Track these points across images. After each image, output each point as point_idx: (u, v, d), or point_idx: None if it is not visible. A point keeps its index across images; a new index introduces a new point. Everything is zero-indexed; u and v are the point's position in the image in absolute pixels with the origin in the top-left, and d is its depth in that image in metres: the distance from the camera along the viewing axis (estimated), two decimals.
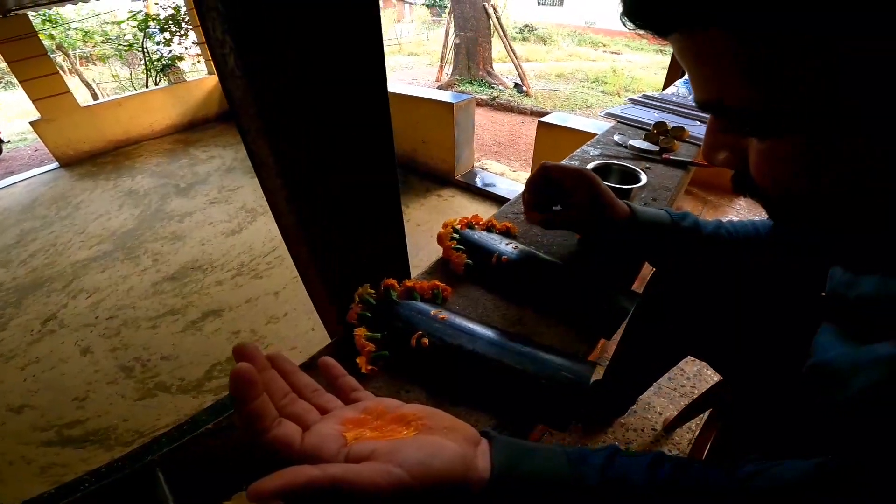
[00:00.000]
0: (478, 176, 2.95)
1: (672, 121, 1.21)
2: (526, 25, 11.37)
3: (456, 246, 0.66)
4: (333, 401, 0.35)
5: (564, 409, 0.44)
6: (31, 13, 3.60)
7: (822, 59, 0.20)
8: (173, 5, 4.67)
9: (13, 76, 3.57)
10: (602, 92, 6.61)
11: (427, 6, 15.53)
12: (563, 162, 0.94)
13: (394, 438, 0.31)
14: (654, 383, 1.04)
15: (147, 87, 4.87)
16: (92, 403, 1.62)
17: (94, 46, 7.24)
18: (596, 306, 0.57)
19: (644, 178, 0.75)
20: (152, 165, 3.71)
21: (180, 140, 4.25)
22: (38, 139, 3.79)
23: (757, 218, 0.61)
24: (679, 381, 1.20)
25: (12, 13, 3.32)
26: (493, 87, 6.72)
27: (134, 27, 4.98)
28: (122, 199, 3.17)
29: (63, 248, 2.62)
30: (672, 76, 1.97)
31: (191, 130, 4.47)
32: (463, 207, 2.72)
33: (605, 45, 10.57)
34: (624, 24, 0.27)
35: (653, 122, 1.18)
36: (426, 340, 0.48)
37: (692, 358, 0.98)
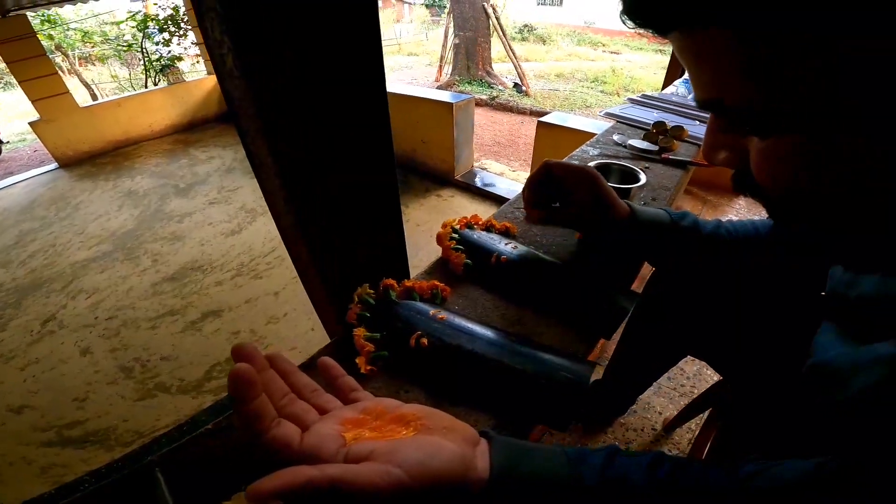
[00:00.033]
0: (477, 176, 2.96)
1: (671, 120, 1.21)
2: (525, 25, 11.38)
3: (455, 246, 0.66)
4: (332, 401, 0.35)
5: (564, 409, 0.44)
6: (29, 14, 3.60)
7: (822, 58, 0.20)
8: (172, 5, 4.67)
9: (12, 76, 3.57)
10: (601, 92, 6.61)
11: (426, 6, 15.53)
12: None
13: (393, 439, 0.31)
14: (654, 383, 1.04)
15: (146, 87, 4.87)
16: (92, 404, 1.62)
17: (93, 47, 7.23)
18: (595, 306, 0.57)
19: (643, 178, 0.75)
20: (152, 166, 3.71)
21: (180, 140, 4.25)
22: (38, 140, 3.79)
23: (756, 217, 0.61)
24: (679, 380, 1.20)
25: (11, 13, 3.32)
26: (492, 87, 6.72)
27: (133, 27, 4.99)
28: (122, 199, 3.17)
29: (62, 248, 2.62)
30: (671, 76, 1.97)
31: (190, 131, 4.47)
32: (462, 207, 2.72)
33: (604, 45, 10.57)
34: (624, 23, 0.27)
35: (652, 122, 1.18)
36: (425, 340, 0.48)
37: (692, 358, 0.98)
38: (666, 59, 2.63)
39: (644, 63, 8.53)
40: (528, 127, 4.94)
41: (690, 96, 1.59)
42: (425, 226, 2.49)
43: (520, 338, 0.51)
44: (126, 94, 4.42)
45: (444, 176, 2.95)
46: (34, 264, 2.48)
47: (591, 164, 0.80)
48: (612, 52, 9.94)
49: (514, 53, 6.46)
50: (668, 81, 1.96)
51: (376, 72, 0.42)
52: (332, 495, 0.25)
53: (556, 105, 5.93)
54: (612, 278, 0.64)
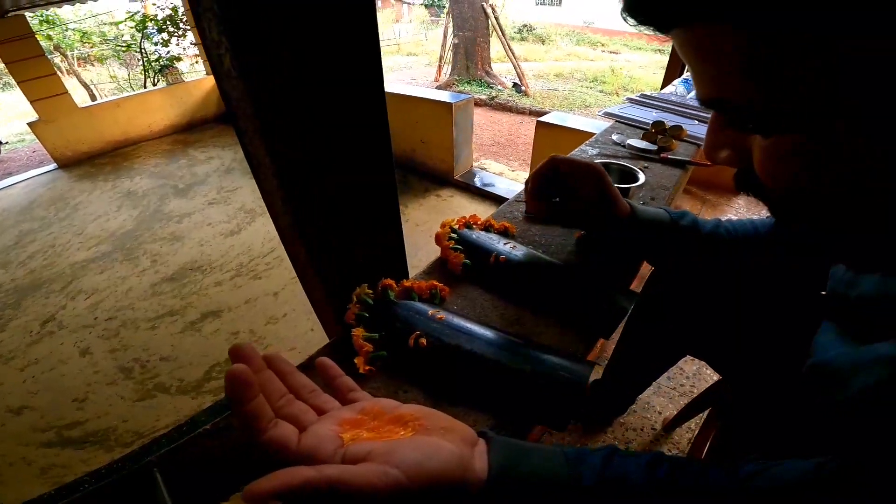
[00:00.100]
0: (477, 176, 2.95)
1: (670, 120, 1.21)
2: (524, 25, 11.38)
3: (454, 246, 0.66)
4: (331, 401, 0.35)
5: (563, 409, 0.44)
6: (28, 14, 3.60)
7: (823, 58, 0.20)
8: (171, 6, 4.66)
9: (11, 77, 3.56)
10: (600, 91, 6.61)
11: (425, 6, 15.52)
12: None
13: (391, 439, 0.31)
14: (654, 383, 1.04)
15: (145, 87, 4.86)
16: (91, 404, 1.62)
17: (91, 47, 7.22)
18: (594, 306, 0.57)
19: (642, 178, 0.75)
20: (151, 166, 3.71)
21: (179, 141, 4.25)
22: (36, 140, 3.78)
23: (756, 217, 0.61)
24: (678, 380, 1.20)
25: (9, 14, 3.32)
26: (491, 87, 6.72)
27: (132, 28, 4.97)
28: (121, 200, 3.16)
29: (62, 249, 2.61)
30: (670, 75, 1.98)
31: (189, 131, 4.47)
32: (462, 207, 2.72)
33: (603, 45, 10.58)
34: (625, 21, 0.27)
35: (651, 122, 1.18)
36: (424, 340, 0.48)
37: (692, 357, 0.98)
38: (665, 59, 2.63)
39: (643, 63, 8.53)
40: (528, 127, 4.94)
41: (689, 96, 1.59)
42: (424, 226, 2.49)
43: (519, 338, 0.51)
44: (125, 94, 4.41)
45: (444, 176, 2.95)
46: (33, 265, 2.48)
47: None
48: (611, 52, 9.95)
49: (513, 53, 6.46)
50: (667, 81, 1.96)
51: (374, 72, 0.42)
52: (330, 496, 0.25)
53: (555, 105, 5.93)
54: (611, 278, 0.64)
